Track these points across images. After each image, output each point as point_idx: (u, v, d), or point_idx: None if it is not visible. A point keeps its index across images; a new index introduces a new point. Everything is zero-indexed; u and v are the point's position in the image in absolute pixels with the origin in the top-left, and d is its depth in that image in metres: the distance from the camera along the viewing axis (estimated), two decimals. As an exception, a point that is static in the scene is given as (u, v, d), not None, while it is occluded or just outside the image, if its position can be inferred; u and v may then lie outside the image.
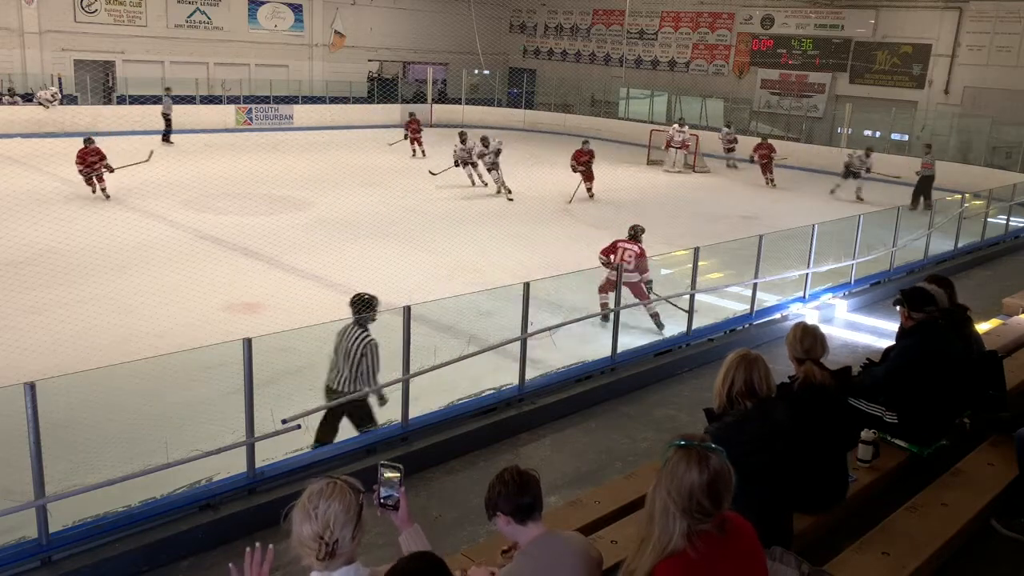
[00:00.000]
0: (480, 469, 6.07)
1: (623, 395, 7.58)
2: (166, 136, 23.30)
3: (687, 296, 8.75)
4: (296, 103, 28.47)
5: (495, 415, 6.85)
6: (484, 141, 18.08)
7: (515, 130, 30.47)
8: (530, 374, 7.30)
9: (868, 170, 19.76)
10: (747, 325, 9.29)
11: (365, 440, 6.15)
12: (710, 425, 3.27)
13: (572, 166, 18.18)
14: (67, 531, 4.76)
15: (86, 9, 25.87)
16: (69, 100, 24.80)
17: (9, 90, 23.89)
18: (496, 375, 7.50)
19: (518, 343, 7.19)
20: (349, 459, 5.88)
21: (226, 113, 26.56)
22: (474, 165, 18.33)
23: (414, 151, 23.28)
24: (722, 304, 9.80)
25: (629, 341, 8.27)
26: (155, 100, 25.45)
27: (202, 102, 26.45)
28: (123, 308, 9.53)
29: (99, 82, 26.08)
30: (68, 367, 5.91)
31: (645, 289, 9.52)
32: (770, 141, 22.46)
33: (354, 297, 6.46)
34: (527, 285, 7.09)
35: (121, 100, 25.89)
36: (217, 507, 5.19)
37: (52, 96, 23.55)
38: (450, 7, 32.69)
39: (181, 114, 24.87)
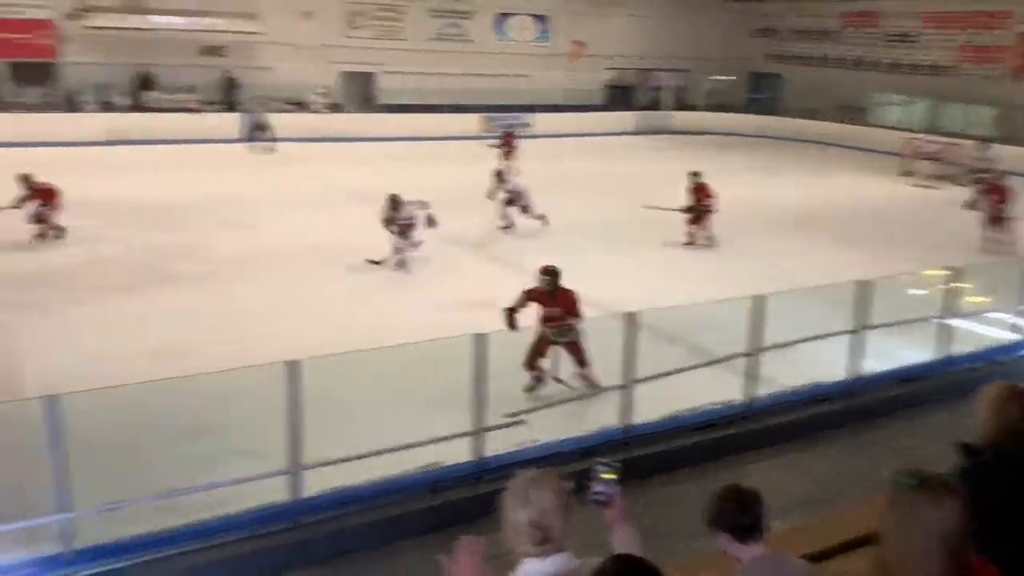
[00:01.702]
0: (700, 483, 5.94)
1: (862, 421, 7.10)
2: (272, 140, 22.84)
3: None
4: (536, 111, 29.33)
5: (719, 430, 6.68)
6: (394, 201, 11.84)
7: (755, 136, 29.47)
8: (759, 392, 7.04)
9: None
10: (1017, 356, 8.33)
11: (586, 442, 6.22)
12: (966, 461, 2.98)
13: (694, 210, 13.53)
14: (314, 498, 5.24)
15: (355, 25, 28.29)
16: (335, 108, 27.31)
17: (287, 99, 26.67)
18: (720, 390, 7.31)
19: (746, 358, 6.97)
20: (568, 459, 5.98)
21: (469, 122, 27.91)
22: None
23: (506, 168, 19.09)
24: (983, 331, 8.86)
25: (872, 365, 7.72)
26: (408, 109, 27.32)
27: (449, 111, 27.95)
28: (371, 301, 10.37)
29: (361, 92, 28.46)
30: (334, 348, 6.46)
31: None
32: (1005, 184, 14.74)
33: None
34: (759, 298, 6.85)
35: (380, 109, 28.07)
36: (444, 492, 5.49)
37: (322, 96, 26.16)
38: (691, 13, 32.22)
39: (427, 121, 26.49)
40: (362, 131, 25.36)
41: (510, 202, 13.72)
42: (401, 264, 11.57)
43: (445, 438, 5.69)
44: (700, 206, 13.48)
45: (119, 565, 4.63)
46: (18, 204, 12.29)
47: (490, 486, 5.46)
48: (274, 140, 22.89)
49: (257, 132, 23.04)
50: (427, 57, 28.93)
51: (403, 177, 17.43)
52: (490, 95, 28.97)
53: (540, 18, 31.48)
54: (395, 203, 11.73)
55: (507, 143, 20.85)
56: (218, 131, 23.15)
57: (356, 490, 5.36)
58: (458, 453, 5.78)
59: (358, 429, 6.38)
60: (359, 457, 5.37)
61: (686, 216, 13.52)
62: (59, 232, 12.53)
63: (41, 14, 23.74)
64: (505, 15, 30.83)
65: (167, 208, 15.00)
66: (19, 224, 12.17)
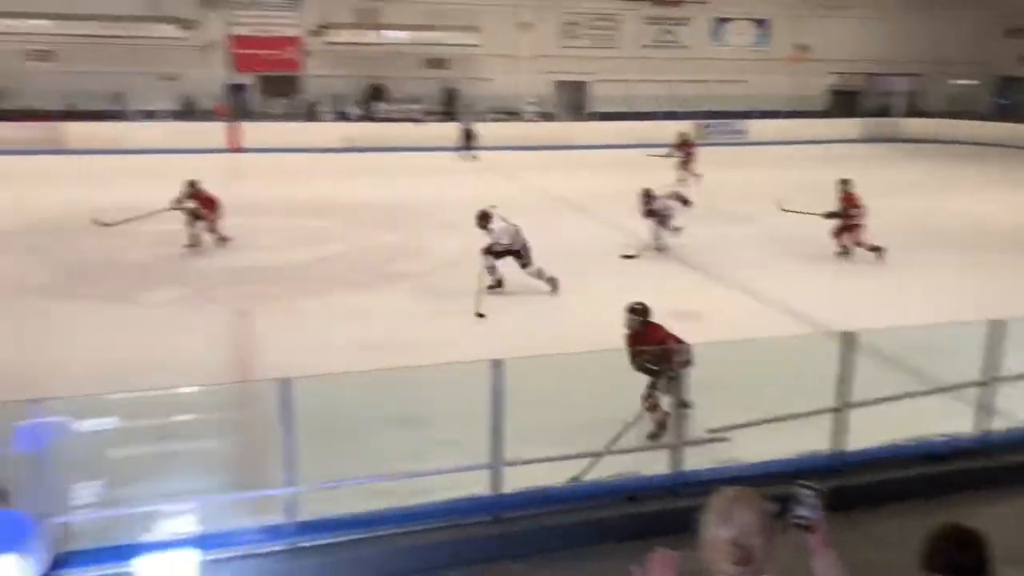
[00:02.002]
0: (918, 520, 5.41)
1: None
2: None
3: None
4: (752, 118, 28.40)
5: (944, 464, 6.14)
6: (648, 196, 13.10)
7: (1000, 146, 26.86)
8: (993, 426, 6.41)
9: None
10: None
11: (792, 464, 5.94)
12: None
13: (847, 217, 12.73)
14: (513, 495, 5.38)
15: (570, 35, 28.79)
16: (547, 117, 27.92)
17: (503, 108, 27.64)
18: (946, 420, 6.72)
19: (979, 388, 6.36)
20: (772, 480, 5.73)
21: (683, 128, 27.54)
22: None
23: (682, 177, 19.13)
24: None
25: None
26: (619, 117, 27.38)
27: (661, 119, 27.75)
28: (570, 305, 10.51)
29: (574, 101, 28.90)
30: (534, 349, 6.62)
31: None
32: None
33: None
34: (998, 323, 6.22)
35: (592, 117, 28.36)
36: (641, 501, 5.45)
37: (534, 105, 27.15)
38: (927, 14, 29.88)
39: (637, 128, 26.42)
40: (572, 139, 25.83)
41: (660, 221, 13.10)
42: (661, 248, 12.89)
43: (645, 448, 5.66)
44: (844, 214, 12.77)
45: (334, 540, 5.00)
46: (175, 206, 12.51)
47: (689, 501, 5.35)
48: (478, 148, 23.76)
49: (467, 141, 24.04)
50: (640, 64, 28.91)
51: (608, 184, 17.56)
52: (703, 101, 28.45)
53: (760, 22, 30.49)
54: (648, 196, 12.95)
55: (683, 152, 20.08)
56: (437, 139, 24.39)
57: (554, 491, 5.45)
58: (657, 464, 5.73)
59: (558, 431, 6.48)
60: (559, 459, 5.46)
61: (832, 226, 12.91)
62: (223, 240, 12.83)
63: (290, 32, 26.16)
64: (723, 20, 30.17)
65: (391, 211, 16.01)
66: (267, 224, 13.47)
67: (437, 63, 27.44)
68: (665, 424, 6.55)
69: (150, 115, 24.70)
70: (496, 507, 5.31)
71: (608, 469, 5.65)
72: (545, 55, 28.33)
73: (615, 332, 8.16)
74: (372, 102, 26.84)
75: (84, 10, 23.72)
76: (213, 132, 24.01)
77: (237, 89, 26.20)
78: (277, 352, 8.62)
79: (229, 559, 4.66)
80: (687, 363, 6.56)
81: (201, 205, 12.63)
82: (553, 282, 10.90)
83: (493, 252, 10.79)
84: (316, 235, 13.96)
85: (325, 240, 13.75)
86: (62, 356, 8.30)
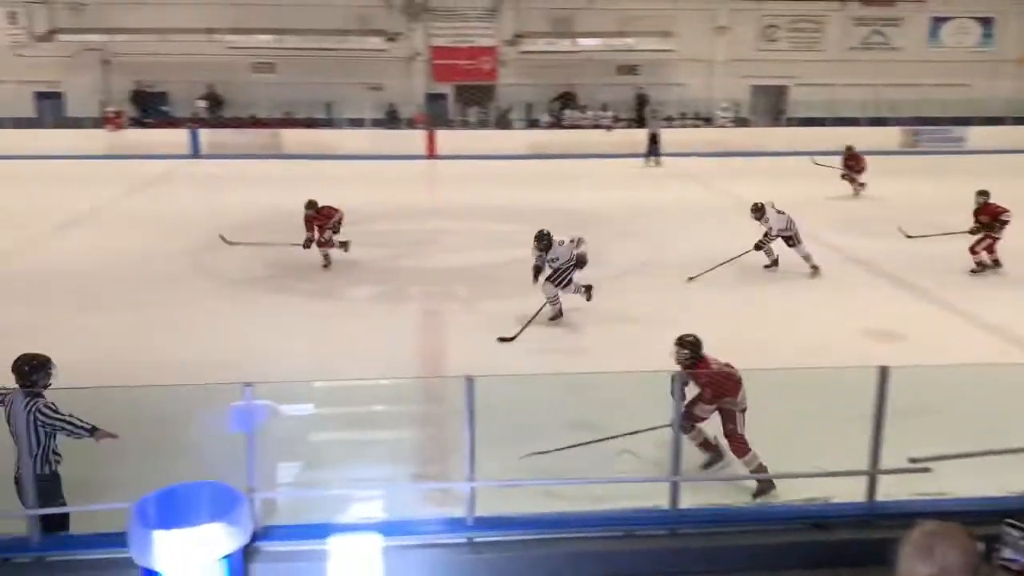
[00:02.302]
0: None
1: None
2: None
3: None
4: (972, 124, 26.13)
5: None
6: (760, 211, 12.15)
7: None
8: None
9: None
10: None
11: (1002, 503, 5.39)
12: None
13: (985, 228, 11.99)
14: (692, 510, 5.25)
15: (769, 38, 27.76)
16: (741, 123, 27.08)
17: (695, 114, 27.10)
18: None
19: None
20: (978, 518, 5.23)
21: (890, 135, 25.80)
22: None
23: (856, 189, 18.45)
24: None
25: None
26: (821, 123, 26.07)
27: (867, 124, 26.16)
28: (767, 317, 10.11)
29: (771, 105, 27.83)
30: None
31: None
32: None
33: (16, 361, 5.14)
34: None
35: (790, 122, 27.19)
36: (830, 529, 5.14)
37: (728, 111, 26.80)
38: None
39: (839, 135, 25.00)
40: (768, 145, 24.86)
41: (792, 241, 12.10)
42: (815, 271, 11.97)
43: (835, 473, 5.35)
44: (993, 223, 11.94)
45: (510, 538, 5.08)
46: (307, 244, 12.25)
47: (883, 532, 4.99)
48: (661, 155, 23.45)
49: (652, 146, 23.75)
50: (846, 67, 27.39)
51: (803, 192, 16.73)
52: (914, 107, 26.51)
53: (984, 20, 28.00)
54: (759, 211, 12.06)
55: (849, 164, 18.73)
56: (625, 146, 24.28)
57: (733, 511, 5.27)
58: (848, 491, 5.39)
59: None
60: (736, 479, 5.28)
61: (976, 240, 12.10)
62: (345, 245, 12.44)
63: (486, 42, 26.98)
64: (940, 19, 27.98)
65: (577, 217, 16.08)
66: (459, 227, 13.96)
67: (628, 69, 27.33)
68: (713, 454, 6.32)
69: (357, 123, 26.32)
70: (674, 521, 5.20)
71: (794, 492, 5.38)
72: (742, 59, 27.47)
73: (811, 346, 7.81)
74: (562, 109, 27.15)
75: (301, 25, 25.65)
76: (413, 140, 25.21)
77: (435, 98, 27.35)
78: (463, 350, 8.92)
79: (409, 547, 4.85)
80: (696, 418, 6.21)
81: (326, 218, 12.36)
82: (559, 308, 10.07)
83: (553, 280, 10.02)
84: (505, 239, 14.30)
85: (513, 244, 14.03)
86: (273, 343, 9.04)
